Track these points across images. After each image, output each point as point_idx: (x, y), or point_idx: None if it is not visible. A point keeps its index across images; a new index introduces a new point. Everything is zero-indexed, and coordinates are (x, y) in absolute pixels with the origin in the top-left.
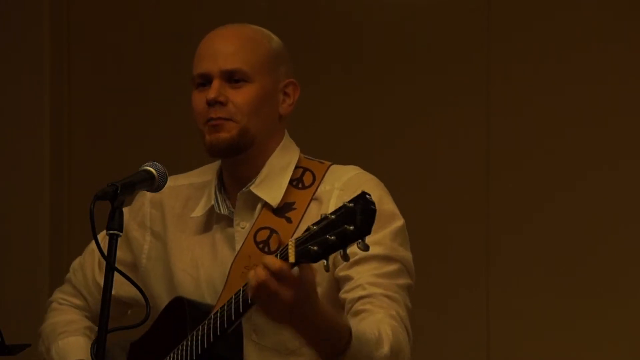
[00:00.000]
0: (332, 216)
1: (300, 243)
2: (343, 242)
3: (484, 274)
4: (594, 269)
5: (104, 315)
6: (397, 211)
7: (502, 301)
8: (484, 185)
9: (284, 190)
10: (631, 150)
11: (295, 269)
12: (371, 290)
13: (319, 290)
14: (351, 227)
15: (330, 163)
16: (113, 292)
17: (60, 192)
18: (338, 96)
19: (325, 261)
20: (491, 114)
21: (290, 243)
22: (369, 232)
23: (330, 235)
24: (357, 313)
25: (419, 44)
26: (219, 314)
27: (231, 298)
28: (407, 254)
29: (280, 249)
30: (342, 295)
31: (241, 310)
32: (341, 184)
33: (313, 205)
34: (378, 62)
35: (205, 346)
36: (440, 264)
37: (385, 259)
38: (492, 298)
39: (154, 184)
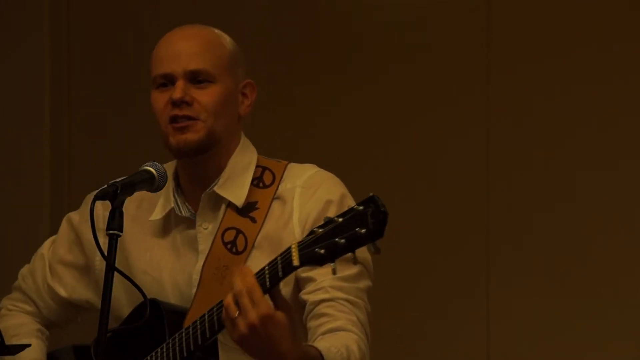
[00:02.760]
0: (340, 219)
1: (304, 246)
2: (354, 245)
3: (484, 276)
4: (593, 271)
5: (104, 315)
6: None
7: (502, 303)
8: (484, 186)
9: (247, 189)
10: (631, 150)
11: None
12: (333, 294)
13: (287, 289)
14: (363, 230)
15: (287, 162)
16: (65, 295)
17: (60, 192)
18: (338, 96)
19: (332, 264)
20: (491, 114)
21: (292, 246)
22: (381, 235)
23: (340, 239)
24: (318, 316)
25: (419, 44)
26: (206, 319)
27: (212, 308)
28: (366, 255)
29: (282, 253)
30: (304, 296)
31: (216, 328)
32: (302, 182)
33: (275, 204)
34: (378, 62)
35: (188, 352)
36: (441, 266)
37: (347, 261)
38: (492, 300)
39: (154, 184)
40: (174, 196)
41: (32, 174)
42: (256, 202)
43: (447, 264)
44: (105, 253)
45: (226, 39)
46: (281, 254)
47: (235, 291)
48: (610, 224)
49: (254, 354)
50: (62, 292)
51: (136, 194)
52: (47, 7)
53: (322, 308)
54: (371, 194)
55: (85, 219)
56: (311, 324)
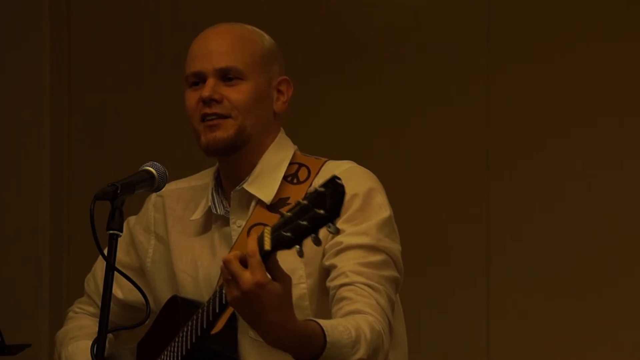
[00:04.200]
0: (305, 201)
1: (275, 229)
2: (314, 226)
3: (484, 273)
4: (594, 269)
5: (104, 315)
6: (386, 204)
7: (502, 301)
8: (484, 185)
9: (277, 186)
10: (631, 150)
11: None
12: (353, 278)
13: (311, 281)
14: (321, 211)
15: (326, 159)
16: (122, 297)
17: (60, 192)
18: (338, 96)
19: (298, 246)
20: (491, 114)
21: (265, 230)
22: (338, 215)
23: (302, 220)
24: (338, 300)
25: (419, 44)
26: (205, 308)
27: (216, 290)
28: (393, 246)
29: (258, 236)
30: (328, 283)
31: (224, 302)
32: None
33: None
34: (378, 61)
35: (194, 340)
36: (441, 264)
37: (371, 249)
38: (492, 298)
39: (154, 184)
40: (212, 195)
41: (32, 174)
42: (288, 198)
43: (448, 261)
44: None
45: (260, 36)
46: (258, 238)
47: (237, 254)
48: (611, 223)
49: (246, 319)
50: (119, 294)
51: (184, 195)
52: (47, 7)
53: (342, 292)
54: (333, 175)
55: (139, 220)
56: (334, 309)
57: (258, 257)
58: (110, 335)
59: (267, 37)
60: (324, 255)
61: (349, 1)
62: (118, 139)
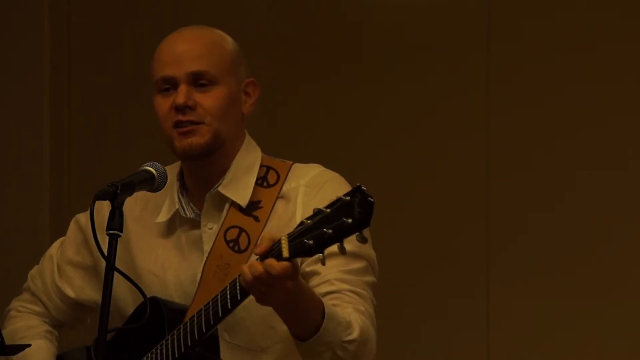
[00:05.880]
0: (328, 210)
1: (294, 238)
2: (341, 235)
3: (484, 275)
4: (594, 270)
5: (104, 315)
6: None
7: (502, 302)
8: (484, 185)
9: (251, 189)
10: (631, 150)
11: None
12: (339, 286)
13: (289, 284)
14: (349, 220)
15: (291, 162)
16: (74, 295)
17: (60, 192)
18: (338, 96)
19: (321, 255)
20: (491, 114)
21: (283, 239)
22: (367, 224)
23: (327, 229)
24: None
25: (419, 44)
26: (203, 313)
27: (216, 296)
28: (372, 252)
29: (273, 246)
30: None
31: (230, 307)
32: (306, 181)
33: (279, 203)
34: (378, 62)
35: (186, 347)
36: (441, 265)
37: (353, 256)
38: (493, 299)
39: (154, 184)
40: (179, 197)
41: (32, 173)
42: (260, 202)
43: (447, 263)
44: (106, 253)
45: (227, 39)
46: (273, 247)
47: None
48: (611, 224)
49: (270, 303)
50: (71, 293)
51: (141, 195)
52: (47, 7)
53: (328, 300)
54: (358, 184)
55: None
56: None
57: (287, 268)
58: (55, 334)
59: (230, 39)
60: (302, 261)
61: (349, 2)
62: (118, 138)
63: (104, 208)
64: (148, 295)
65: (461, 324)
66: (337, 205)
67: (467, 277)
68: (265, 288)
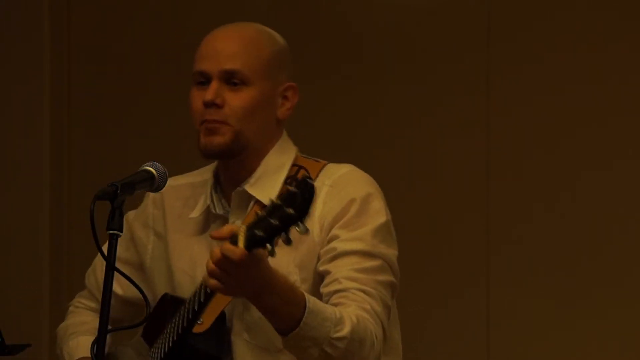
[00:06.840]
0: (278, 201)
1: (249, 228)
2: (284, 225)
3: (484, 273)
4: (594, 269)
5: (104, 315)
6: (383, 209)
7: (502, 301)
8: (484, 185)
9: (278, 188)
10: (631, 150)
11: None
12: (347, 284)
13: (305, 286)
14: (291, 210)
15: (326, 162)
16: (122, 293)
17: (60, 192)
18: (337, 97)
19: (269, 245)
20: (491, 114)
21: (240, 229)
22: (306, 214)
23: (273, 219)
24: None
25: (419, 44)
26: (189, 300)
27: (200, 285)
28: (389, 252)
29: (231, 237)
30: (321, 289)
31: (202, 300)
32: (331, 181)
33: None
34: (378, 62)
35: (176, 337)
36: (440, 264)
37: (366, 254)
38: (493, 298)
39: (154, 184)
40: (212, 193)
41: (32, 173)
42: None
43: (448, 261)
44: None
45: (272, 40)
46: (230, 237)
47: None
48: (611, 224)
49: (234, 293)
50: (119, 290)
51: (183, 192)
52: (47, 7)
53: (335, 299)
54: (304, 175)
55: (137, 216)
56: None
57: (237, 253)
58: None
59: (279, 41)
60: (318, 260)
61: (349, 2)
62: (118, 139)
63: (148, 205)
64: (179, 294)
65: (461, 323)
66: (285, 196)
67: (467, 277)
68: (225, 277)
